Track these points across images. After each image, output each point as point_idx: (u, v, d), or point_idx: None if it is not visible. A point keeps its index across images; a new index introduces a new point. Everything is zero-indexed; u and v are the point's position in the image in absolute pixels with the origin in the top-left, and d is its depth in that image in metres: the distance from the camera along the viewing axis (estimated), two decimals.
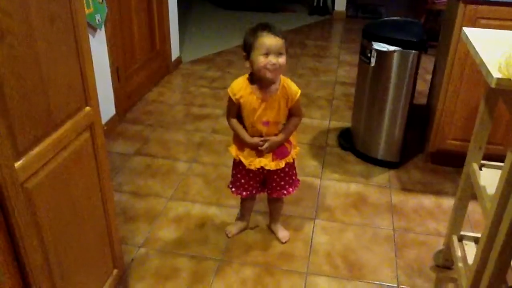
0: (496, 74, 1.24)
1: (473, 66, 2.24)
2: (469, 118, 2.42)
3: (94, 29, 2.71)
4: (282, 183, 1.96)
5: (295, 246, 2.10)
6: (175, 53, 4.06)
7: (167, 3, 3.76)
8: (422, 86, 3.54)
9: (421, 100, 3.33)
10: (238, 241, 2.12)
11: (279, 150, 1.87)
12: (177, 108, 3.38)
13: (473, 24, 2.24)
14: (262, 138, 1.82)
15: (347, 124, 3.10)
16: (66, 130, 1.31)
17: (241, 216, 2.17)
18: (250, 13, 5.72)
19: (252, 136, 1.84)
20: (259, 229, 2.20)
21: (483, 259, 1.45)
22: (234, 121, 1.86)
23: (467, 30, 1.64)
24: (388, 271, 1.98)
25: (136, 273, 1.94)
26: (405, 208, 2.37)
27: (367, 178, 2.61)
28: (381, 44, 2.44)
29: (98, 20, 2.71)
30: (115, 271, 1.73)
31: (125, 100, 3.23)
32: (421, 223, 2.27)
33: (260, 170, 1.89)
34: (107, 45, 2.89)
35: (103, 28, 2.81)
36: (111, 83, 3.00)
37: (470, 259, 1.70)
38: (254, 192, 2.01)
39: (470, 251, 1.78)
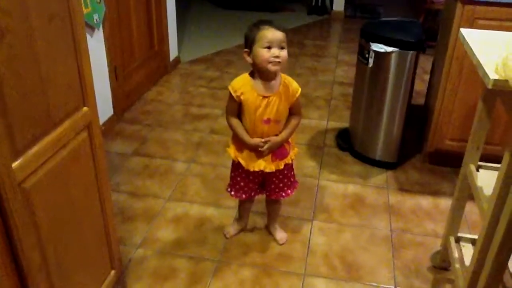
0: (493, 75, 1.25)
1: (471, 66, 2.25)
2: (467, 119, 2.42)
3: (92, 28, 2.71)
4: (281, 185, 1.96)
5: (293, 247, 2.10)
6: (173, 52, 4.05)
7: (166, 2, 3.75)
8: (420, 86, 3.55)
9: (419, 100, 3.33)
10: (236, 242, 2.12)
11: (278, 151, 1.86)
12: (176, 108, 3.38)
13: (471, 24, 2.25)
14: (262, 140, 1.81)
15: (345, 124, 3.10)
16: (64, 130, 1.31)
17: (239, 217, 2.17)
18: (249, 12, 5.72)
19: (252, 137, 1.82)
20: (257, 230, 2.20)
21: (480, 260, 1.45)
22: (235, 120, 1.83)
23: (464, 31, 1.64)
24: (385, 272, 1.99)
25: (134, 274, 1.93)
26: (402, 208, 2.38)
27: (365, 178, 2.61)
28: (379, 45, 2.44)
29: (96, 20, 2.71)
30: (113, 272, 1.73)
31: (123, 100, 3.23)
32: (418, 224, 2.27)
33: (259, 172, 1.88)
34: (105, 45, 2.89)
35: (101, 28, 2.81)
36: (109, 83, 3.00)
37: (467, 260, 1.70)
38: (253, 194, 2.01)
39: (467, 252, 1.79)
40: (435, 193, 2.50)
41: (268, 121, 1.78)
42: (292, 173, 1.98)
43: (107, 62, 2.95)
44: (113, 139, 2.92)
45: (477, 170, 1.67)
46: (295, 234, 2.17)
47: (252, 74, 1.79)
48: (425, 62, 3.82)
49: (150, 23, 3.59)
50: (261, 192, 2.02)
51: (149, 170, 2.62)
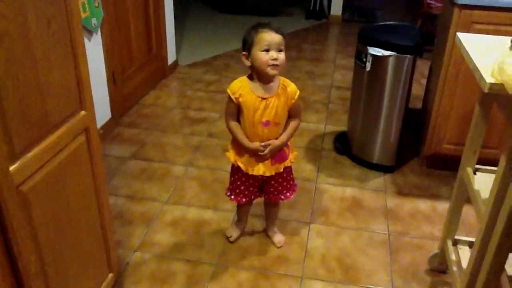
0: (489, 79, 1.25)
1: (468, 70, 2.25)
2: (464, 122, 2.43)
3: (90, 32, 2.71)
4: (280, 188, 1.96)
5: (290, 250, 2.10)
6: (171, 56, 4.06)
7: (164, 6, 3.76)
8: (418, 90, 3.56)
9: (417, 104, 3.34)
10: (234, 245, 2.12)
11: (278, 155, 1.86)
12: (174, 111, 3.38)
13: (468, 29, 2.26)
14: (262, 144, 1.80)
15: (343, 128, 3.11)
16: (62, 134, 1.31)
17: (238, 220, 2.17)
18: (247, 16, 5.73)
19: (252, 140, 1.81)
20: (255, 233, 2.20)
21: (477, 263, 1.46)
22: (234, 123, 1.83)
23: (461, 35, 1.65)
24: (383, 275, 1.99)
25: (131, 277, 1.93)
26: (400, 212, 2.38)
27: (363, 182, 2.62)
28: (377, 49, 2.45)
29: (94, 24, 2.72)
30: (110, 275, 1.73)
31: (121, 104, 3.23)
32: (416, 227, 2.27)
33: (259, 176, 1.88)
34: (103, 49, 2.89)
35: (99, 32, 2.81)
36: (107, 87, 3.00)
37: (465, 263, 1.71)
38: (252, 198, 2.01)
39: (465, 255, 1.79)
40: (433, 196, 2.51)
41: (267, 123, 1.78)
42: (292, 176, 1.98)
43: (105, 66, 2.95)
44: (111, 143, 2.93)
45: (474, 173, 1.68)
46: (293, 237, 2.18)
47: (250, 77, 1.79)
48: (423, 66, 3.84)
49: (148, 27, 3.59)
50: (260, 195, 2.02)
51: (147, 173, 2.63)
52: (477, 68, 1.34)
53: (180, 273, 1.96)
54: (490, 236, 1.38)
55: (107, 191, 1.64)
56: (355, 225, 2.27)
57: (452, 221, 1.85)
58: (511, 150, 1.29)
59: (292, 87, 1.80)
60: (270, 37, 1.68)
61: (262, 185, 1.97)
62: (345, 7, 5.93)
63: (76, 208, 1.43)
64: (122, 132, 3.06)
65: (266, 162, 1.84)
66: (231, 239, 2.12)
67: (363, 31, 2.60)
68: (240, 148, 1.85)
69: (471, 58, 1.43)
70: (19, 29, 1.09)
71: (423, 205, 2.44)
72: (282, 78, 1.80)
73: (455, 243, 1.87)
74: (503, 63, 1.23)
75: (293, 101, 1.80)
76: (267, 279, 1.94)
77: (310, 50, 4.81)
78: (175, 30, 4.10)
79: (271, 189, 1.96)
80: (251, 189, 1.95)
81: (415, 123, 3.04)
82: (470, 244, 1.84)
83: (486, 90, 1.26)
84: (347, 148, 2.85)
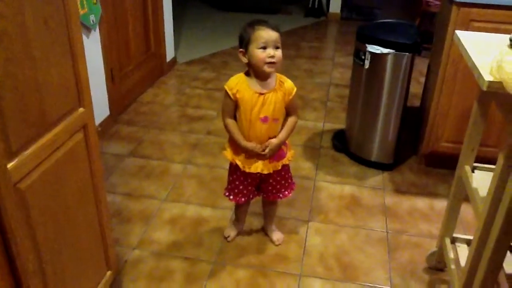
0: (487, 77, 1.25)
1: (466, 68, 2.26)
2: (462, 120, 2.43)
3: (88, 29, 2.71)
4: (278, 186, 1.96)
5: (289, 248, 2.10)
6: (170, 54, 4.05)
7: (162, 4, 3.76)
8: (416, 88, 3.56)
9: (415, 102, 3.35)
10: (232, 243, 2.12)
11: (278, 153, 1.86)
12: (172, 109, 3.38)
13: (466, 27, 2.26)
14: (261, 145, 1.79)
15: (341, 126, 3.11)
16: (60, 131, 1.31)
17: (236, 219, 2.16)
18: (245, 14, 5.73)
19: (250, 137, 1.80)
20: (253, 231, 2.20)
21: (475, 261, 1.46)
22: (231, 121, 1.82)
23: (460, 33, 1.65)
24: (381, 273, 1.99)
25: (129, 275, 1.93)
26: (398, 210, 2.38)
27: (361, 180, 2.62)
28: (375, 46, 2.45)
29: (93, 21, 2.71)
30: (108, 273, 1.73)
31: (119, 101, 3.22)
32: (414, 225, 2.28)
33: (257, 174, 1.88)
34: (102, 46, 2.88)
35: (97, 29, 2.81)
36: (105, 84, 3.00)
37: (463, 261, 1.71)
38: (251, 196, 2.01)
39: (463, 253, 1.79)
40: (431, 194, 2.51)
41: (265, 119, 1.78)
42: (290, 174, 1.98)
43: (104, 63, 2.94)
44: (109, 140, 2.92)
45: (472, 172, 1.68)
46: (291, 235, 2.18)
47: (247, 73, 1.79)
48: (421, 65, 3.84)
49: (146, 24, 3.59)
50: (258, 194, 2.02)
51: (145, 171, 2.62)
52: (475, 66, 1.34)
53: (179, 271, 1.96)
54: (488, 234, 1.38)
55: (105, 188, 1.64)
56: (354, 223, 2.27)
57: (450, 219, 1.85)
58: (509, 148, 1.29)
59: (289, 83, 1.81)
60: (267, 34, 1.68)
61: (260, 183, 1.97)
62: (343, 5, 5.93)
63: (74, 206, 1.43)
64: (120, 130, 3.05)
65: (264, 160, 1.84)
66: (228, 239, 2.12)
67: (361, 29, 2.60)
68: (237, 146, 1.84)
69: (469, 56, 1.43)
70: (17, 28, 1.09)
71: (421, 203, 2.44)
72: (278, 75, 1.80)
73: (453, 241, 1.87)
74: (501, 61, 1.23)
75: (290, 97, 1.80)
76: (266, 277, 1.94)
77: (308, 48, 4.81)
78: (173, 27, 4.09)
79: (269, 188, 1.96)
80: (249, 188, 1.95)
81: (413, 121, 3.04)
82: (468, 242, 1.84)
83: (484, 88, 1.26)
84: (346, 146, 2.85)
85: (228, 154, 1.88)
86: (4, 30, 1.04)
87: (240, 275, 1.95)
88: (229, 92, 1.77)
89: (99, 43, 2.86)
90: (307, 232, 2.20)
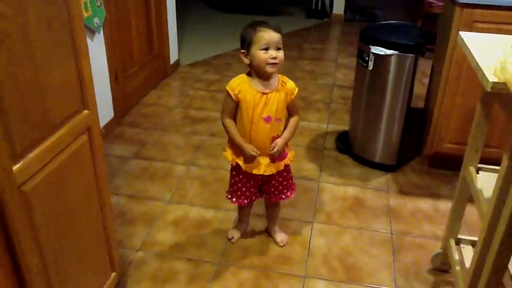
0: (491, 78, 1.25)
1: (470, 69, 2.25)
2: (466, 122, 2.43)
3: (92, 32, 2.71)
4: (281, 187, 1.96)
5: (292, 249, 2.10)
6: (173, 56, 4.06)
7: (166, 6, 3.77)
8: (420, 89, 3.55)
9: (419, 103, 3.34)
10: (236, 245, 2.12)
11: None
12: (175, 111, 3.38)
13: (470, 28, 2.25)
14: (257, 152, 1.79)
15: (344, 127, 3.11)
16: (64, 133, 1.31)
17: (240, 221, 2.17)
18: (248, 16, 5.73)
19: (251, 142, 1.80)
20: (257, 232, 2.20)
21: (480, 262, 1.45)
22: (229, 121, 1.82)
23: (463, 34, 1.65)
24: (385, 274, 1.99)
25: (133, 277, 1.93)
26: (402, 211, 2.38)
27: (365, 181, 2.61)
28: (379, 47, 2.45)
29: (97, 23, 2.72)
30: (112, 275, 1.73)
31: (123, 103, 3.23)
32: (418, 226, 2.27)
33: (259, 176, 1.88)
34: (105, 48, 2.89)
35: (101, 31, 2.81)
36: (109, 86, 3.01)
37: (467, 263, 1.70)
38: (253, 198, 2.01)
39: (467, 254, 1.79)
40: (435, 195, 2.50)
41: (268, 119, 1.78)
42: (291, 175, 1.99)
43: (108, 66, 2.95)
44: (113, 142, 2.93)
45: (477, 173, 1.68)
46: (295, 236, 2.17)
47: (249, 74, 1.79)
48: (425, 66, 3.83)
49: (150, 27, 3.60)
50: (261, 196, 2.02)
51: (149, 173, 2.63)
52: (479, 67, 1.34)
53: (182, 272, 1.96)
54: (493, 235, 1.38)
55: (109, 190, 1.64)
56: (357, 224, 2.27)
57: (455, 220, 1.84)
58: None
59: (291, 83, 1.82)
60: (268, 36, 1.69)
61: (262, 185, 1.97)
62: (346, 7, 5.93)
63: (78, 208, 1.43)
64: (124, 132, 3.06)
65: (266, 161, 1.84)
66: (232, 241, 2.12)
67: (364, 30, 2.60)
68: (237, 147, 1.84)
69: (473, 57, 1.43)
70: (19, 29, 1.09)
71: (425, 204, 2.43)
72: (280, 76, 1.81)
73: (458, 242, 1.86)
74: (505, 62, 1.22)
75: (292, 97, 1.81)
76: (269, 279, 1.94)
77: (311, 50, 4.80)
78: (177, 29, 4.10)
79: (272, 189, 1.96)
80: (251, 190, 1.95)
81: (417, 122, 3.04)
82: (473, 244, 1.84)
83: (488, 89, 1.26)
84: (349, 147, 2.85)
85: (228, 155, 1.88)
86: (5, 31, 1.04)
87: (243, 277, 1.95)
88: (231, 93, 1.77)
89: (103, 45, 2.87)
90: (311, 233, 2.20)
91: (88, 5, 2.59)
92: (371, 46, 2.47)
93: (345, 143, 2.89)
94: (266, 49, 1.69)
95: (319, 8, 5.95)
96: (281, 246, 2.11)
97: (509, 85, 1.20)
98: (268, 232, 2.18)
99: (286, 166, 1.91)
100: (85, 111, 1.41)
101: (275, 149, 1.80)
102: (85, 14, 2.56)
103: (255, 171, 1.85)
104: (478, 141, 1.67)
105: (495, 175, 1.41)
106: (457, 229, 1.86)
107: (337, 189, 2.53)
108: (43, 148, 1.22)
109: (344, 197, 2.47)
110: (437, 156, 2.64)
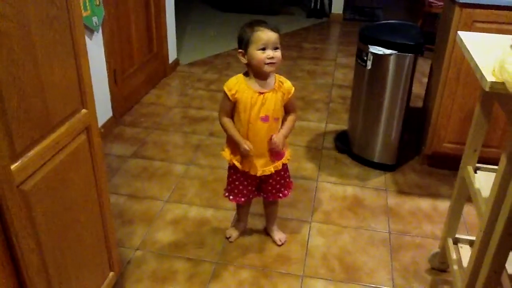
0: (490, 78, 1.25)
1: (469, 69, 2.25)
2: (465, 121, 2.43)
3: (91, 31, 2.71)
4: (278, 186, 1.96)
5: (291, 249, 2.10)
6: (172, 55, 4.06)
7: (165, 5, 3.76)
8: (419, 89, 3.56)
9: (418, 103, 3.34)
10: (235, 244, 2.12)
11: (276, 152, 1.87)
12: (174, 110, 3.38)
13: (469, 27, 2.26)
14: (251, 148, 1.78)
15: (343, 126, 3.11)
16: (63, 132, 1.31)
17: (238, 220, 2.17)
18: (247, 15, 5.73)
19: (254, 138, 1.80)
20: (255, 231, 2.20)
21: (478, 261, 1.46)
22: (227, 119, 1.83)
23: (462, 34, 1.65)
24: (384, 273, 1.99)
25: (132, 276, 1.94)
26: (401, 210, 2.38)
27: (364, 180, 2.62)
28: (377, 47, 2.45)
29: (96, 23, 2.72)
30: (111, 274, 1.73)
31: (122, 103, 3.23)
32: (417, 226, 2.27)
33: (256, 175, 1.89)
34: (105, 48, 2.89)
35: (100, 31, 2.81)
36: (108, 85, 3.01)
37: (465, 262, 1.71)
38: (251, 197, 2.01)
39: (465, 253, 1.79)
40: (433, 195, 2.51)
41: (266, 118, 1.78)
42: (288, 173, 1.99)
43: (106, 65, 2.95)
44: (112, 142, 2.93)
45: (475, 172, 1.68)
46: (294, 236, 2.18)
47: (246, 74, 1.80)
48: (424, 66, 3.84)
49: (149, 26, 3.59)
50: (258, 194, 2.03)
51: (148, 172, 2.63)
52: (478, 67, 1.34)
53: (181, 272, 1.96)
54: (491, 235, 1.38)
55: (108, 190, 1.65)
56: (356, 224, 2.27)
57: (453, 220, 1.85)
58: None
59: (288, 83, 1.83)
60: (266, 35, 1.69)
61: (260, 184, 1.97)
62: (346, 6, 5.93)
63: (77, 207, 1.43)
64: (123, 131, 3.06)
65: (265, 160, 1.85)
66: (230, 240, 2.13)
67: (364, 29, 2.60)
68: (235, 147, 1.85)
69: (472, 57, 1.43)
70: (20, 29, 1.09)
71: (424, 204, 2.44)
72: (277, 75, 1.81)
73: (456, 241, 1.87)
74: (504, 61, 1.22)
75: (289, 95, 1.82)
76: (268, 278, 1.95)
77: (311, 49, 4.81)
78: (176, 28, 4.10)
79: (269, 188, 1.96)
80: (249, 188, 1.95)
81: (416, 122, 3.04)
82: (471, 243, 1.84)
83: (487, 89, 1.26)
84: (348, 147, 2.85)
85: (226, 154, 1.89)
86: (6, 30, 1.04)
87: (242, 276, 1.95)
88: (228, 93, 1.78)
89: (102, 44, 2.86)
90: (309, 233, 2.20)
91: (87, 4, 2.59)
92: (370, 46, 2.47)
93: (344, 143, 2.89)
94: (264, 49, 1.69)
95: (319, 7, 5.95)
96: (279, 245, 2.11)
97: (508, 85, 1.20)
98: (266, 231, 2.18)
99: (284, 165, 1.92)
100: (84, 110, 1.42)
101: (275, 139, 1.79)
102: (84, 14, 2.56)
103: (252, 172, 1.85)
104: (477, 140, 1.67)
105: (493, 174, 1.41)
106: (455, 228, 1.86)
107: (336, 188, 2.54)
108: (42, 147, 1.22)
109: (343, 196, 2.47)
110: (436, 155, 2.65)
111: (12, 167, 1.11)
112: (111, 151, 2.82)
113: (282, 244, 2.12)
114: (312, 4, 5.96)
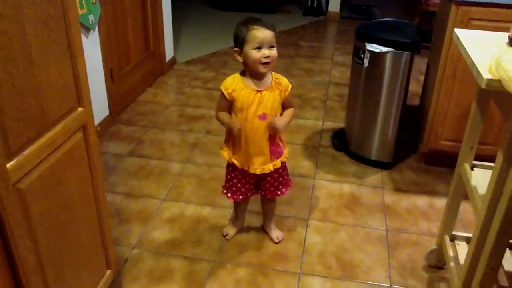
0: (486, 75, 1.25)
1: (465, 67, 2.26)
2: (462, 119, 2.44)
3: (87, 29, 2.71)
4: (276, 184, 1.96)
5: (288, 246, 2.10)
6: (169, 53, 4.05)
7: (161, 3, 3.75)
8: (415, 87, 3.56)
9: (414, 100, 3.35)
10: (232, 242, 2.12)
11: (275, 150, 1.87)
12: (171, 109, 3.38)
13: (466, 25, 2.26)
14: (240, 125, 1.77)
15: (340, 124, 3.11)
16: (59, 131, 1.31)
17: (236, 218, 2.17)
18: (244, 13, 5.71)
19: (248, 141, 1.80)
20: (253, 229, 2.20)
21: (474, 258, 1.46)
22: (222, 112, 1.82)
23: (459, 31, 1.65)
24: (381, 271, 1.99)
25: (129, 274, 1.93)
26: (398, 208, 2.39)
27: (360, 178, 2.62)
28: (374, 45, 2.45)
29: (92, 21, 2.71)
30: (108, 272, 1.73)
31: (119, 101, 3.22)
32: (414, 223, 2.28)
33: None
34: (101, 46, 2.88)
35: (96, 29, 2.81)
36: (104, 84, 3.00)
37: (462, 259, 1.71)
38: (249, 194, 2.02)
39: (462, 250, 1.80)
40: (430, 192, 2.51)
41: (264, 116, 1.78)
42: (286, 171, 1.99)
43: (103, 63, 2.94)
44: (109, 140, 2.92)
45: (472, 169, 1.68)
46: (291, 233, 2.18)
47: (243, 73, 1.80)
48: (420, 63, 3.84)
49: (146, 24, 3.58)
50: (256, 192, 2.03)
51: (145, 170, 2.62)
52: (474, 64, 1.34)
53: (178, 270, 1.96)
54: (488, 232, 1.39)
55: (105, 188, 1.64)
56: (353, 222, 2.27)
57: (450, 217, 1.85)
58: (508, 146, 1.29)
59: (284, 80, 1.83)
60: (262, 34, 1.68)
61: (258, 182, 1.97)
62: (342, 4, 5.93)
63: (73, 205, 1.43)
64: (120, 129, 3.05)
65: (265, 159, 1.85)
66: (227, 237, 2.13)
67: (360, 27, 2.60)
68: (234, 146, 1.85)
69: (468, 54, 1.43)
70: (15, 28, 1.09)
71: (421, 201, 2.44)
72: (274, 73, 1.81)
73: (453, 239, 1.87)
74: (500, 59, 1.23)
75: (286, 93, 1.82)
76: (265, 276, 1.95)
77: (308, 47, 4.80)
78: (173, 27, 4.09)
79: (267, 185, 1.96)
80: (247, 186, 1.95)
81: (412, 119, 3.04)
82: (468, 240, 1.85)
83: (483, 86, 1.26)
84: (345, 144, 2.85)
85: (225, 153, 1.89)
86: (1, 29, 1.04)
87: (240, 274, 1.95)
88: (225, 92, 1.77)
89: (98, 43, 2.86)
90: (306, 230, 2.21)
91: (83, 2, 2.58)
92: (366, 44, 2.47)
93: (341, 141, 2.90)
94: (259, 48, 1.69)
95: (315, 5, 5.95)
96: (277, 243, 2.11)
97: (504, 83, 1.20)
98: (263, 229, 2.18)
99: (283, 163, 1.92)
100: (80, 109, 1.41)
101: (276, 122, 1.77)
102: (80, 12, 2.55)
103: (251, 170, 1.85)
104: (474, 138, 1.67)
105: (490, 172, 1.41)
106: (452, 225, 1.87)
107: (333, 186, 2.54)
108: (38, 146, 1.22)
109: (340, 194, 2.48)
110: (433, 153, 2.65)
111: (8, 165, 1.11)
112: (107, 149, 2.82)
113: (279, 241, 2.12)
114: (309, 2, 5.96)
